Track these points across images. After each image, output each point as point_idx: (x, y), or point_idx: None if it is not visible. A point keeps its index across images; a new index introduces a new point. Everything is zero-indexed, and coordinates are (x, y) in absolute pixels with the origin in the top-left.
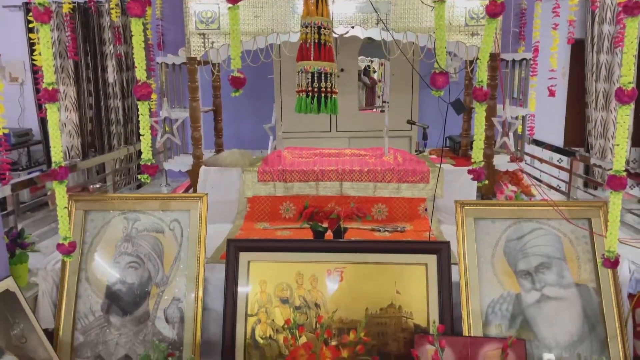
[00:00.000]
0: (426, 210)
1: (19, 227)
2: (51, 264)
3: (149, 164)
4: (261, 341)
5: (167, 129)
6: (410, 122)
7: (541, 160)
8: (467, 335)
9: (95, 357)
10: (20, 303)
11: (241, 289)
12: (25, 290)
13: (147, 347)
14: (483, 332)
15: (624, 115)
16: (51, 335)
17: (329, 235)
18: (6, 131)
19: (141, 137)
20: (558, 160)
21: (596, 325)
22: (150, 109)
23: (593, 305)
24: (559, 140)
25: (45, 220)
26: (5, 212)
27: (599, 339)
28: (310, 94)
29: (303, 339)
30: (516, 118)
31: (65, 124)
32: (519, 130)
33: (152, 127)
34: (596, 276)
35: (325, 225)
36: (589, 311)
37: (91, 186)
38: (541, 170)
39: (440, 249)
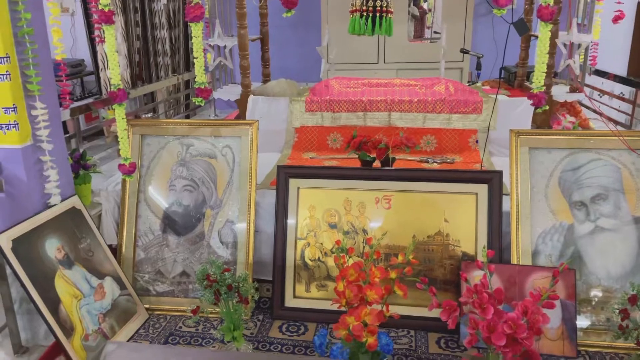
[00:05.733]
0: (477, 142)
1: (80, 150)
2: (112, 185)
3: (203, 87)
4: (310, 263)
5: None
6: (464, 51)
7: (602, 92)
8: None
9: (155, 272)
10: (86, 220)
11: (291, 214)
12: (90, 209)
13: (203, 264)
14: (532, 262)
15: None
16: (114, 251)
17: (376, 165)
18: (64, 55)
19: (195, 61)
20: (620, 94)
21: None
22: None
23: None
24: (622, 72)
25: (101, 148)
26: (67, 135)
27: None
28: (365, 14)
29: (351, 262)
30: (579, 45)
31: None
32: (581, 59)
33: (205, 51)
34: None
35: (373, 155)
36: None
37: (143, 116)
38: (601, 103)
39: (491, 179)
